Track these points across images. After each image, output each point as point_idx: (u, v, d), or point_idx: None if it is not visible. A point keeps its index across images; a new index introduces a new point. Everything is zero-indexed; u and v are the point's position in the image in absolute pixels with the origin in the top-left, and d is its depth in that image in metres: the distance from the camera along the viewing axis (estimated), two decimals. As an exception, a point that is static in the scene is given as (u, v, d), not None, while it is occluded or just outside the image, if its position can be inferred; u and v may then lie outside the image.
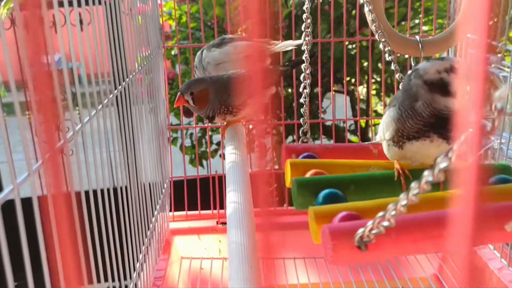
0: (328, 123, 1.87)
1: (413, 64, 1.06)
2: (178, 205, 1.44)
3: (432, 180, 0.49)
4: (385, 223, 0.56)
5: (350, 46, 2.17)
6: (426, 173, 0.50)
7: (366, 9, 1.06)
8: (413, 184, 0.52)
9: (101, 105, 0.86)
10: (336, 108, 1.50)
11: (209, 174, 1.45)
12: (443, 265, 1.27)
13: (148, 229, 1.14)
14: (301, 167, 0.87)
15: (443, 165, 0.48)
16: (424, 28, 2.22)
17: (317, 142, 2.08)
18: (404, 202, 0.53)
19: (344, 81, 1.42)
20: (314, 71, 1.38)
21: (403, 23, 2.20)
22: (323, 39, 1.68)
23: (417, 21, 2.26)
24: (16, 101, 0.55)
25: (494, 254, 1.16)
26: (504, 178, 0.79)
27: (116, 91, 0.95)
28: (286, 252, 1.35)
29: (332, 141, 1.62)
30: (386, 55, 1.05)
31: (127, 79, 1.03)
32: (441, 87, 0.78)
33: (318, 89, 2.20)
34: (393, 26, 2.12)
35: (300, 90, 1.07)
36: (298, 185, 0.79)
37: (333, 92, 1.51)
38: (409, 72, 0.85)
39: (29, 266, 0.55)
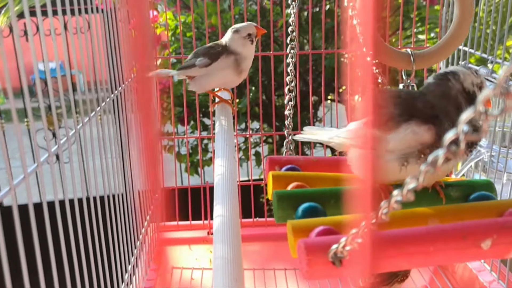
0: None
1: (404, 77, 1.06)
2: (169, 215, 1.44)
3: (401, 200, 0.49)
4: (359, 240, 0.56)
5: (347, 55, 2.18)
6: (395, 192, 0.50)
7: (354, 21, 1.06)
8: (383, 203, 0.52)
9: (93, 112, 0.87)
10: (333, 116, 1.51)
11: (201, 185, 1.45)
12: (434, 277, 1.26)
13: (138, 239, 1.14)
14: (283, 179, 0.87)
15: (412, 185, 0.48)
16: (422, 37, 2.22)
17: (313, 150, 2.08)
18: (374, 221, 0.53)
19: (336, 92, 1.42)
20: (309, 81, 1.39)
21: (399, 32, 2.20)
22: (314, 50, 1.68)
23: (415, 30, 2.27)
24: (13, 108, 0.56)
25: (484, 267, 1.16)
26: (485, 195, 0.79)
27: (108, 99, 0.96)
28: (277, 263, 1.35)
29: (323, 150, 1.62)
30: (374, 67, 1.05)
31: (122, 86, 1.04)
32: (472, 101, 0.75)
33: (314, 98, 2.21)
34: (389, 36, 2.13)
35: (285, 102, 1.08)
36: (278, 198, 0.79)
37: (327, 102, 1.51)
38: (441, 72, 0.80)
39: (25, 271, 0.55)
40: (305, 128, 0.92)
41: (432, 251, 0.63)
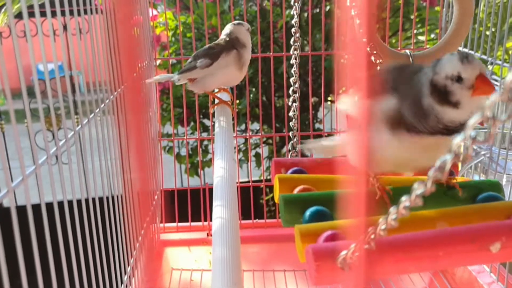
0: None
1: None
2: (169, 216, 1.44)
3: (409, 205, 0.49)
4: (366, 246, 0.56)
5: (346, 56, 2.17)
6: (403, 198, 0.50)
7: (356, 22, 1.05)
8: (392, 209, 0.52)
9: (93, 114, 0.87)
10: (334, 117, 1.52)
11: (200, 186, 1.45)
12: (434, 279, 1.26)
13: (137, 240, 1.14)
14: (290, 182, 0.87)
15: (419, 191, 0.48)
16: (422, 38, 2.22)
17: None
18: (383, 227, 0.53)
19: (335, 93, 1.42)
20: (309, 82, 1.39)
21: (399, 33, 2.20)
22: (314, 51, 1.68)
23: (415, 31, 2.27)
24: (11, 109, 0.56)
25: (483, 269, 1.16)
26: (493, 196, 0.78)
27: (108, 100, 0.96)
28: (276, 264, 1.35)
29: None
30: (378, 68, 1.05)
31: (122, 87, 1.04)
32: (441, 94, 0.69)
33: (314, 99, 2.21)
34: (390, 37, 2.12)
35: (289, 103, 1.08)
36: (285, 202, 0.78)
37: (328, 103, 1.51)
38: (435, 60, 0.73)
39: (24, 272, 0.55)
40: (306, 141, 0.92)
41: (441, 255, 0.63)
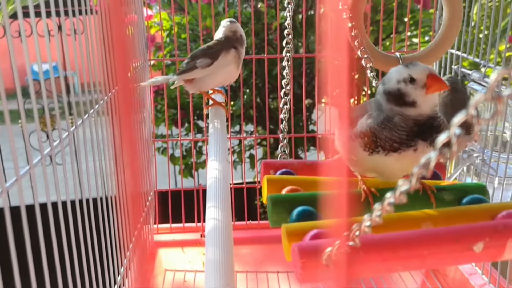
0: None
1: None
2: (162, 217, 1.44)
3: (393, 202, 0.50)
4: (351, 243, 0.56)
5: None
6: (388, 195, 0.50)
7: (348, 25, 1.06)
8: (376, 206, 0.52)
9: (87, 114, 0.87)
10: (328, 119, 1.51)
11: (194, 187, 1.45)
12: (426, 280, 1.27)
13: (131, 241, 1.14)
14: (278, 183, 0.87)
15: (404, 187, 0.48)
16: (416, 40, 2.23)
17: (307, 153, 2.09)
18: (368, 223, 0.53)
19: (329, 94, 1.43)
20: (303, 84, 1.39)
21: (393, 36, 2.21)
22: (308, 53, 1.69)
23: (409, 33, 2.27)
24: (5, 109, 0.57)
25: (475, 270, 1.17)
26: (478, 198, 0.79)
27: (102, 101, 0.96)
28: (269, 266, 1.35)
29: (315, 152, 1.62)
30: (368, 71, 1.06)
31: (116, 88, 1.04)
32: (397, 98, 0.75)
33: (308, 101, 2.22)
34: (383, 39, 2.13)
35: (280, 105, 1.08)
36: (273, 202, 0.79)
37: (321, 105, 1.51)
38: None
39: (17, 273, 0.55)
40: None
41: (425, 254, 0.64)
